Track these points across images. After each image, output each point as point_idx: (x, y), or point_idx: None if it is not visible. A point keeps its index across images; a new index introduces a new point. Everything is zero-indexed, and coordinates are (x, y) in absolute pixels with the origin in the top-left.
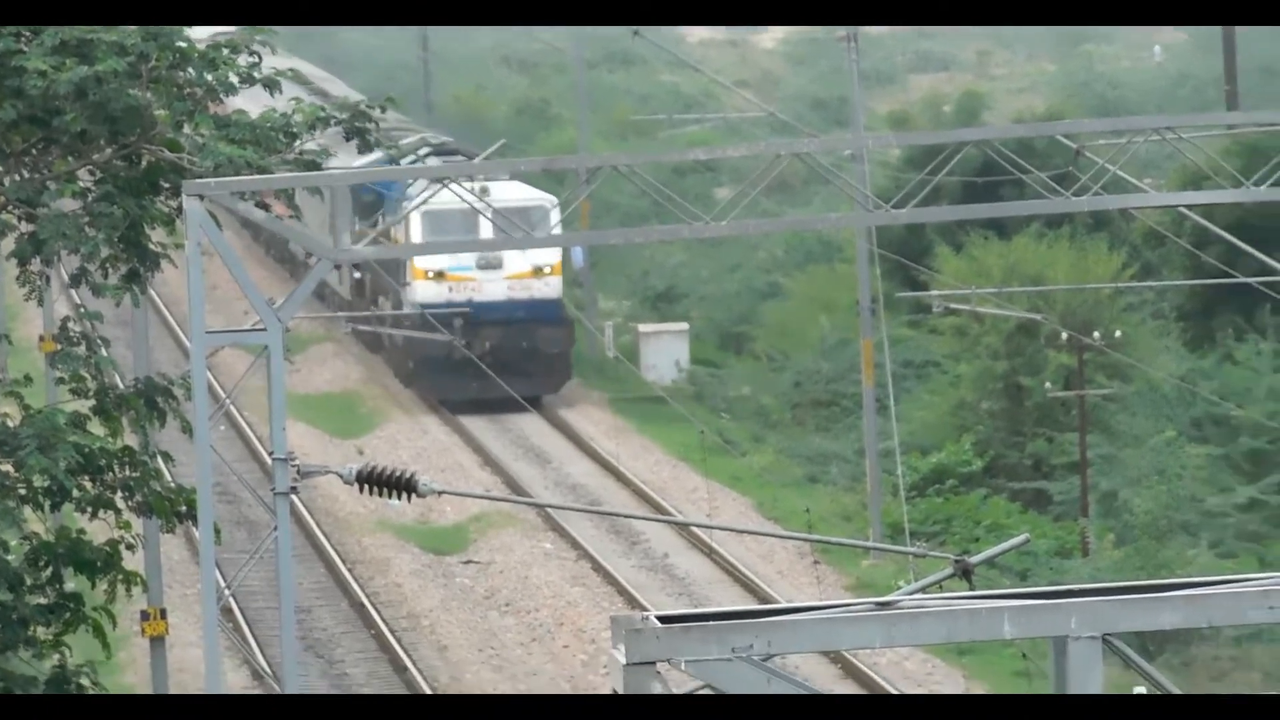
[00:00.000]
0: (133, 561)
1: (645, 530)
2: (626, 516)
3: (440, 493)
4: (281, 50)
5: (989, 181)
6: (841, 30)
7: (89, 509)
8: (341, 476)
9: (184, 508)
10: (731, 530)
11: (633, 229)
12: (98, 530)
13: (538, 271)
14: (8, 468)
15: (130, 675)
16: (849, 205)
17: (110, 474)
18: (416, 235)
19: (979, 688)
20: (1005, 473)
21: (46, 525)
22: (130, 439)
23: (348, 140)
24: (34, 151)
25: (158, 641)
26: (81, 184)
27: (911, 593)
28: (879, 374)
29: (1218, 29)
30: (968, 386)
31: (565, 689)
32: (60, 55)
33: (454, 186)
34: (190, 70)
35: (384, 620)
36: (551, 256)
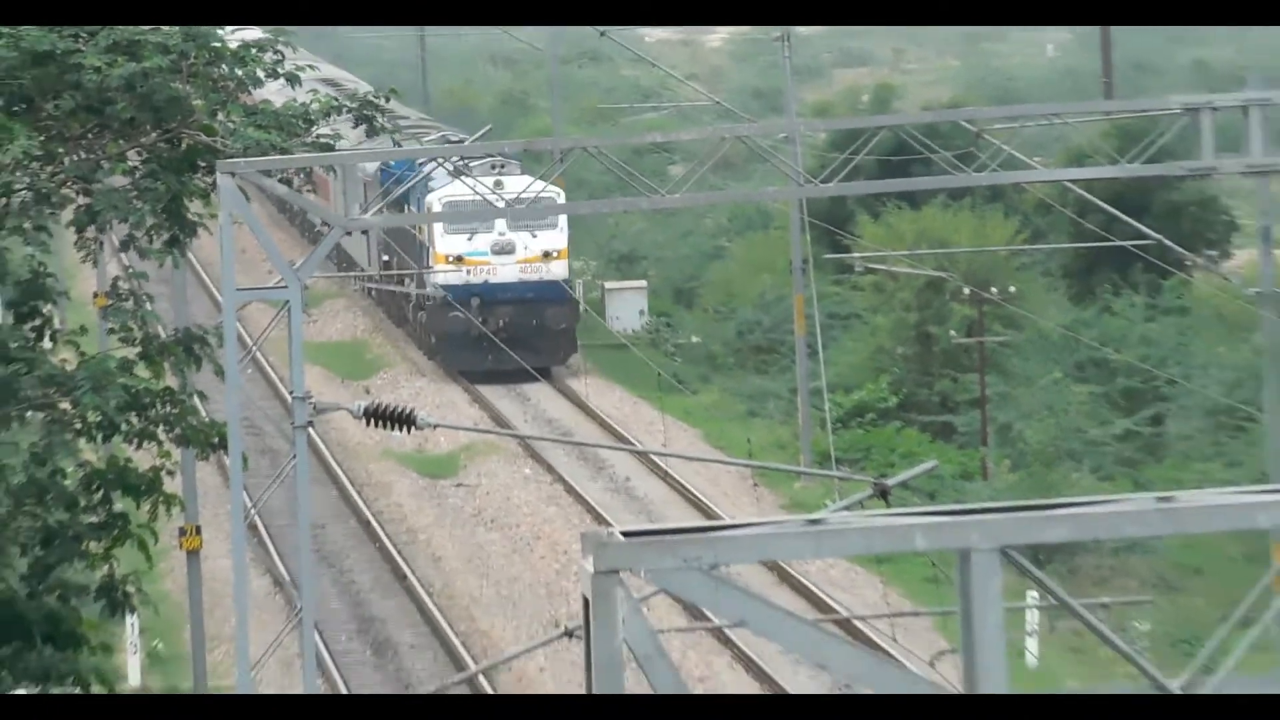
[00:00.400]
0: (172, 485)
1: (610, 458)
2: (594, 446)
3: (435, 426)
4: (302, 49)
5: (901, 160)
6: (777, 30)
7: (135, 440)
8: (351, 412)
9: (216, 439)
10: (683, 458)
11: (600, 201)
12: (142, 459)
13: (546, 256)
14: (66, 405)
15: (169, 583)
16: (783, 180)
17: (153, 410)
18: (439, 221)
19: (894, 592)
20: (916, 408)
21: (98, 455)
22: (170, 381)
23: (355, 126)
24: (89, 136)
25: (193, 555)
26: (130, 163)
27: (837, 511)
28: (809, 324)
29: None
30: (884, 335)
31: (541, 594)
32: (112, 54)
33: (467, 180)
34: (223, 66)
35: (387, 535)
36: (559, 243)
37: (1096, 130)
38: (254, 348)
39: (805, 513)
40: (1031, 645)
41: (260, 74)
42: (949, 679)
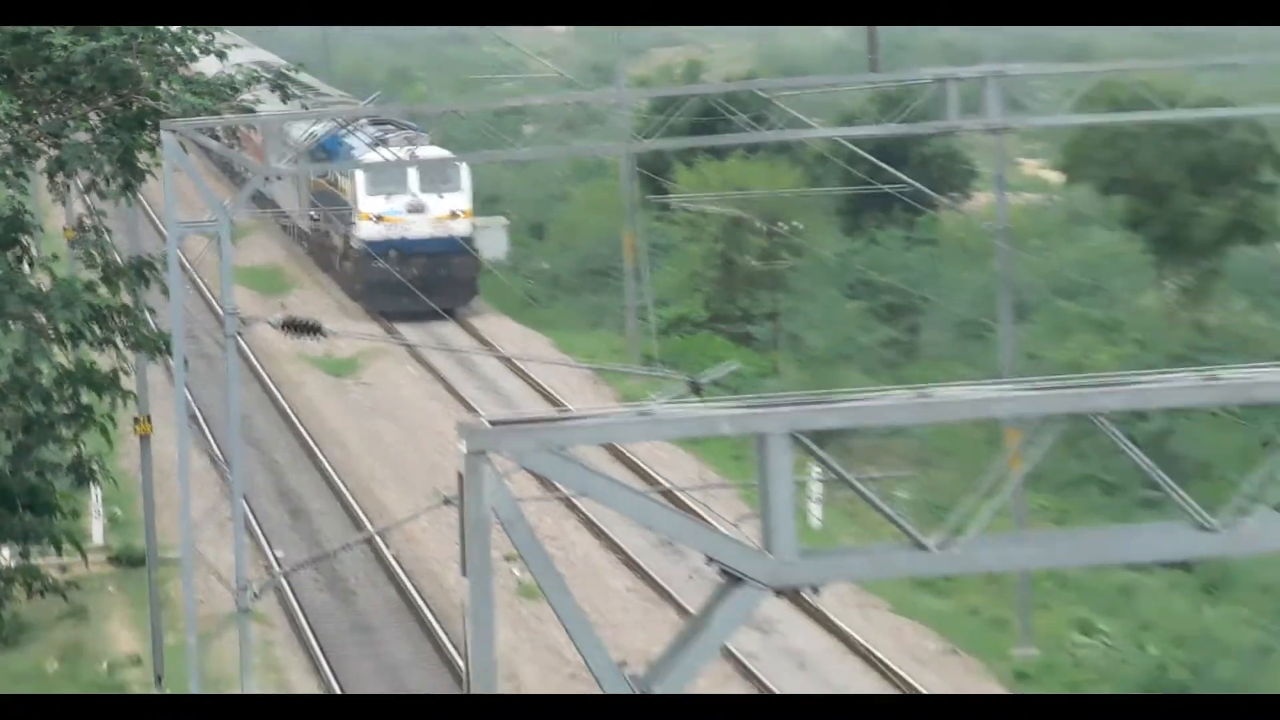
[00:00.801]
0: (128, 383)
1: (481, 362)
2: (467, 352)
3: (338, 335)
4: (229, 30)
5: (709, 121)
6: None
7: (98, 346)
8: (271, 324)
9: (163, 345)
10: (538, 360)
11: (469, 154)
12: (104, 361)
13: (453, 215)
14: (42, 318)
15: (125, 462)
16: (615, 137)
17: (112, 322)
18: (361, 183)
19: (707, 468)
20: (723, 320)
21: (68, 358)
22: (126, 298)
23: (272, 91)
24: (58, 100)
25: (145, 439)
26: (91, 123)
27: (660, 403)
28: (637, 254)
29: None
30: (697, 261)
31: (425, 471)
32: (75, 34)
33: (385, 150)
34: (166, 45)
35: (302, 424)
36: (463, 203)
37: (864, 96)
38: (192, 271)
39: (636, 404)
40: (816, 510)
41: (195, 51)
42: (750, 536)
